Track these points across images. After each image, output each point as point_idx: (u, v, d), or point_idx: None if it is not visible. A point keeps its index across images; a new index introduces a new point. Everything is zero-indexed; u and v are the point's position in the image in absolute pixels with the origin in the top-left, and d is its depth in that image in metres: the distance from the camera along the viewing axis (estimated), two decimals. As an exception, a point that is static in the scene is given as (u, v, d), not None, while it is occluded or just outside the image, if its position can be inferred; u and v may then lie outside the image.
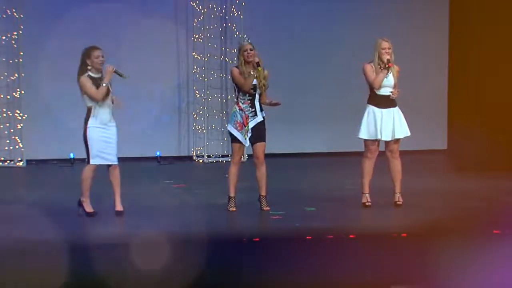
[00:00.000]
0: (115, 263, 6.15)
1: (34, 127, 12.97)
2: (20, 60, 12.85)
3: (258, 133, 8.57)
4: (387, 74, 8.61)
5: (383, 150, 8.82)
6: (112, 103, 8.34)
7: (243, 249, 6.70)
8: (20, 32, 12.81)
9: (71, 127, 12.24)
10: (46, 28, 12.92)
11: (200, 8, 13.39)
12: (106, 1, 13.15)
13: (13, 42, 12.83)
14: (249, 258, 6.43)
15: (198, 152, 13.60)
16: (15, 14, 12.76)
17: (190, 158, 13.64)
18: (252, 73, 8.45)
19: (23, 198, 9.76)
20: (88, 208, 8.33)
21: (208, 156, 13.55)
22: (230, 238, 7.34)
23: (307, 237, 6.92)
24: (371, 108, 8.70)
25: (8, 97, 12.94)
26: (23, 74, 12.89)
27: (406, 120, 8.76)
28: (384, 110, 8.67)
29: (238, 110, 8.56)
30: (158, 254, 6.11)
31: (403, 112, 8.76)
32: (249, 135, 8.54)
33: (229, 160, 8.82)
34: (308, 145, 13.93)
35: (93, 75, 8.26)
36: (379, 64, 8.61)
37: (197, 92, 13.51)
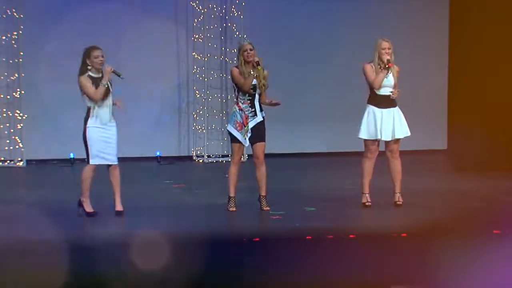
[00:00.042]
0: (115, 263, 6.15)
1: (34, 127, 12.97)
2: (20, 60, 12.85)
3: (258, 133, 8.56)
4: (387, 74, 8.61)
5: (383, 150, 8.82)
6: (114, 104, 8.34)
7: (243, 249, 6.70)
8: (20, 32, 12.81)
9: (71, 127, 12.25)
10: (46, 28, 12.92)
11: (200, 8, 13.39)
12: (106, 1, 13.15)
13: (13, 42, 12.83)
14: (249, 258, 6.43)
15: (198, 152, 13.60)
16: (15, 14, 12.76)
17: (190, 158, 13.63)
18: (251, 73, 8.45)
19: (23, 198, 9.76)
20: (88, 208, 8.33)
21: (208, 156, 13.55)
22: (230, 238, 7.34)
23: (307, 237, 6.92)
24: (371, 108, 8.71)
25: (8, 97, 12.94)
26: (23, 74, 12.89)
27: (406, 120, 8.76)
28: (384, 110, 8.67)
29: (238, 110, 8.56)
30: (158, 254, 6.11)
31: (403, 112, 8.76)
32: (249, 135, 8.54)
33: (229, 160, 8.82)
34: (308, 145, 13.92)
35: (93, 75, 8.26)
36: (379, 64, 8.61)
37: (197, 92, 13.51)
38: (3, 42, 12.84)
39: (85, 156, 8.36)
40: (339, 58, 13.44)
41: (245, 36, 13.02)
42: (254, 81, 8.49)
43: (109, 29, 12.72)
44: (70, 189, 9.55)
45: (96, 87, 8.20)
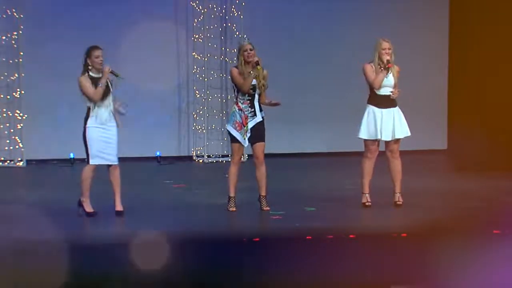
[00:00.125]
0: (115, 263, 6.15)
1: (34, 127, 12.97)
2: (20, 60, 12.85)
3: (258, 133, 8.56)
4: (387, 74, 8.61)
5: (383, 150, 8.82)
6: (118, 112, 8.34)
7: (243, 249, 6.69)
8: (20, 32, 12.81)
9: (71, 127, 12.24)
10: (46, 28, 12.93)
11: (200, 8, 13.39)
12: (106, 1, 13.17)
13: (13, 42, 12.83)
14: (249, 258, 6.43)
15: (198, 152, 13.60)
16: (15, 14, 12.76)
17: (190, 158, 13.63)
18: (251, 72, 8.45)
19: (23, 198, 9.76)
20: (88, 208, 8.34)
21: (208, 156, 13.55)
22: (230, 238, 7.34)
23: (307, 237, 6.92)
24: (371, 108, 8.71)
25: (8, 97, 12.94)
26: (23, 74, 12.89)
27: (406, 120, 8.76)
28: (384, 110, 8.67)
29: (237, 110, 8.56)
30: (158, 254, 6.11)
31: (403, 112, 8.76)
32: (248, 135, 8.54)
33: (229, 160, 8.82)
34: (308, 145, 13.92)
35: (93, 75, 8.26)
36: (379, 64, 8.61)
37: (197, 92, 13.51)
38: (3, 42, 12.84)
39: (85, 156, 8.37)
40: (339, 58, 13.44)
41: (245, 36, 13.01)
42: (254, 81, 8.49)
43: (109, 29, 12.72)
44: (70, 189, 9.56)
45: (96, 87, 8.20)
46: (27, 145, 12.94)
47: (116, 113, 8.32)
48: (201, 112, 13.54)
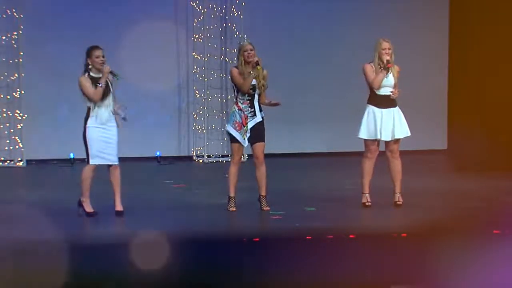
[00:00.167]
0: (115, 263, 6.15)
1: (34, 127, 12.97)
2: (20, 60, 12.85)
3: (257, 133, 8.56)
4: (386, 74, 8.61)
5: (383, 150, 8.82)
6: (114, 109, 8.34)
7: (243, 249, 6.69)
8: (20, 32, 12.81)
9: (71, 127, 12.24)
10: (46, 28, 12.94)
11: (200, 8, 13.39)
12: (106, 1, 13.17)
13: (13, 42, 12.82)
14: (249, 258, 6.43)
15: (198, 152, 13.60)
16: (15, 14, 12.76)
17: (190, 158, 13.63)
18: (251, 72, 8.45)
19: (23, 198, 9.76)
20: (88, 208, 8.34)
21: (208, 156, 13.55)
22: (230, 238, 7.34)
23: (307, 237, 6.92)
24: (371, 108, 8.71)
25: (8, 97, 12.94)
26: (23, 74, 12.89)
27: (406, 120, 8.76)
28: (384, 110, 8.67)
29: (237, 110, 8.56)
30: (158, 254, 6.11)
31: (403, 112, 8.76)
32: (248, 135, 8.54)
33: (229, 160, 8.82)
34: (308, 145, 13.93)
35: (94, 75, 8.26)
36: (379, 64, 8.61)
37: (197, 92, 13.51)
38: (3, 42, 12.84)
39: (85, 156, 8.37)
40: (339, 58, 13.44)
41: (245, 36, 13.02)
42: (254, 81, 8.49)
43: (109, 29, 12.72)
44: (70, 189, 9.56)
45: (96, 87, 8.20)
46: (27, 145, 12.94)
47: (116, 115, 8.32)
48: (201, 112, 13.54)
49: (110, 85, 8.32)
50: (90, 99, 8.23)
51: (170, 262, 6.06)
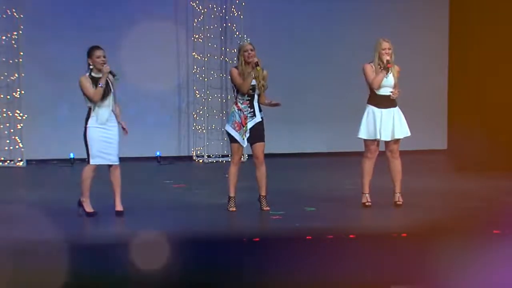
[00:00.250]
0: (115, 263, 6.15)
1: (34, 127, 12.97)
2: (20, 60, 12.85)
3: (257, 134, 8.56)
4: (386, 74, 8.61)
5: (383, 150, 8.82)
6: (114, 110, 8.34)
7: (243, 249, 6.69)
8: (20, 32, 12.81)
9: (71, 127, 12.23)
10: (46, 28, 12.94)
11: (200, 8, 13.39)
12: (106, 1, 13.17)
13: (13, 42, 12.83)
14: (249, 258, 6.43)
15: (198, 152, 13.60)
16: (15, 14, 12.76)
17: (190, 158, 13.63)
18: (250, 72, 8.44)
19: (23, 198, 9.76)
20: (88, 208, 8.34)
21: (208, 156, 13.55)
22: (230, 238, 7.34)
23: (307, 237, 6.92)
24: (370, 108, 8.71)
25: (8, 97, 12.94)
26: (23, 74, 12.89)
27: (406, 120, 8.76)
28: (384, 110, 8.67)
29: (236, 110, 8.56)
30: (158, 254, 6.11)
31: (403, 112, 8.76)
32: (247, 135, 8.54)
33: (229, 160, 8.82)
34: (308, 145, 13.93)
35: (94, 75, 8.27)
36: (379, 64, 8.61)
37: (197, 92, 13.51)
38: (3, 42, 12.84)
39: (85, 156, 8.37)
40: (339, 58, 13.44)
41: (245, 36, 13.02)
42: (253, 82, 8.49)
43: (109, 29, 12.72)
44: (70, 189, 9.56)
45: (97, 87, 8.21)
46: (27, 145, 12.94)
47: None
48: (201, 112, 13.54)
49: (110, 85, 8.32)
50: (90, 99, 8.23)
51: (170, 262, 6.06)
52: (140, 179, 11.08)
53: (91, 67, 8.26)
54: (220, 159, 13.39)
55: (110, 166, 8.37)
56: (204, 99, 13.51)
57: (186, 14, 13.50)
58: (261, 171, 8.59)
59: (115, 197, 8.39)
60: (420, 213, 8.49)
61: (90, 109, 8.26)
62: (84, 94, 8.24)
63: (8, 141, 12.94)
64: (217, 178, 10.94)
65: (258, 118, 8.56)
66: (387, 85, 8.65)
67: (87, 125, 8.25)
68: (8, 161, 12.94)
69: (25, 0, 12.84)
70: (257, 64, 8.43)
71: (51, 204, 9.07)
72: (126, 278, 6.01)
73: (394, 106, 8.72)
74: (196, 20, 13.42)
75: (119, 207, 8.37)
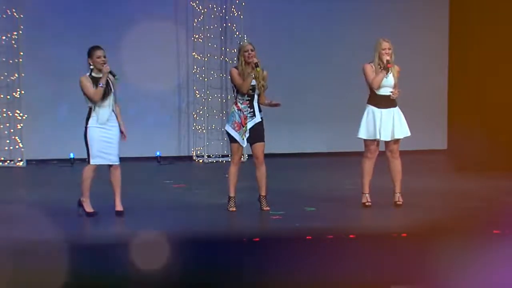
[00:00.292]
0: (115, 263, 6.15)
1: (34, 127, 12.97)
2: (20, 60, 12.85)
3: (257, 134, 8.56)
4: (386, 74, 8.61)
5: (383, 150, 8.82)
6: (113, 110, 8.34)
7: (243, 249, 6.69)
8: (20, 32, 12.80)
9: (71, 127, 12.26)
10: (46, 28, 12.94)
11: (200, 8, 13.39)
12: (106, 1, 13.17)
13: (13, 42, 12.82)
14: (249, 258, 6.43)
15: (198, 152, 13.60)
16: (15, 14, 12.76)
17: (190, 158, 13.63)
18: (250, 73, 8.44)
19: (23, 198, 9.76)
20: (88, 208, 8.34)
21: (208, 156, 13.55)
22: (230, 238, 7.34)
23: (307, 237, 6.92)
24: (370, 108, 8.71)
25: (8, 97, 12.94)
26: (23, 74, 12.89)
27: (406, 120, 8.76)
28: (384, 110, 8.67)
29: (236, 110, 8.56)
30: (158, 254, 6.11)
31: (403, 112, 8.76)
32: (247, 135, 8.54)
33: (229, 160, 8.82)
34: (308, 145, 13.92)
35: (95, 75, 8.27)
36: (379, 64, 8.61)
37: (197, 92, 13.51)
38: (3, 42, 12.84)
39: (85, 156, 8.37)
40: (339, 58, 13.44)
41: (245, 36, 13.02)
42: (253, 82, 8.48)
43: (109, 29, 12.72)
44: (70, 189, 9.56)
45: (97, 88, 8.22)
46: (27, 145, 12.94)
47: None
48: (201, 112, 13.54)
49: (111, 85, 8.32)
50: (90, 99, 8.23)
51: (170, 262, 6.06)
52: (140, 179, 11.08)
53: (91, 67, 8.27)
54: (220, 159, 13.39)
55: (110, 166, 8.37)
56: (204, 99, 13.51)
57: (186, 14, 13.50)
58: (261, 171, 8.59)
59: (115, 197, 8.39)
60: (420, 213, 8.49)
61: (90, 109, 8.27)
62: (85, 94, 8.25)
63: (8, 141, 12.94)
64: (217, 178, 10.94)
65: (257, 118, 8.56)
66: (387, 85, 8.65)
67: (88, 125, 8.25)
68: (8, 161, 12.94)
69: (25, 0, 12.84)
70: (257, 65, 8.43)
71: (51, 204, 9.07)
72: (126, 278, 6.01)
73: (394, 106, 8.72)
74: (196, 20, 13.42)
75: (119, 207, 8.38)
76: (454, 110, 14.09)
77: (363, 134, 8.71)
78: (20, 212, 8.55)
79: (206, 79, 13.49)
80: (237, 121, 8.53)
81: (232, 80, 8.60)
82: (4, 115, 12.94)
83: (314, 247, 6.74)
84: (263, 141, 8.61)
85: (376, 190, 8.92)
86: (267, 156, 8.71)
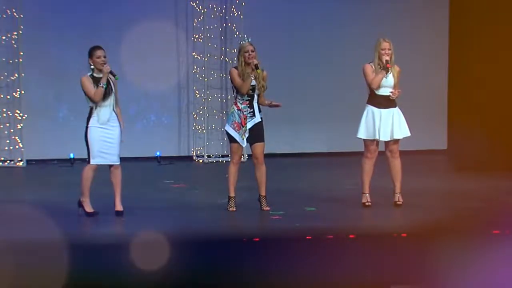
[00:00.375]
0: (115, 263, 6.15)
1: (34, 127, 12.96)
2: (20, 60, 12.85)
3: (257, 134, 8.57)
4: (386, 74, 8.61)
5: (383, 150, 8.82)
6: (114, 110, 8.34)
7: (243, 249, 6.69)
8: (20, 32, 12.80)
9: (71, 127, 12.31)
10: (46, 28, 12.93)
11: (200, 8, 13.39)
12: (106, 1, 13.17)
13: (13, 42, 12.82)
14: (249, 258, 6.43)
15: (198, 152, 13.60)
16: (15, 14, 12.75)
17: (190, 158, 13.63)
18: (250, 74, 8.44)
19: (23, 198, 9.76)
20: (88, 208, 8.34)
21: (208, 156, 13.55)
22: (230, 238, 7.33)
23: (307, 237, 6.92)
24: (370, 108, 8.71)
25: (8, 97, 12.93)
26: (23, 74, 12.88)
27: (406, 120, 8.76)
28: (384, 111, 8.67)
29: (236, 110, 8.56)
30: (158, 254, 6.11)
31: (403, 112, 8.76)
32: (247, 135, 8.54)
33: (229, 160, 8.83)
34: (308, 145, 13.92)
35: (96, 75, 8.28)
36: (379, 64, 8.61)
37: (197, 92, 13.51)
38: (3, 42, 12.82)
39: (85, 156, 8.38)
40: (339, 58, 13.43)
41: (245, 36, 12.98)
42: (253, 82, 8.48)
43: (109, 29, 12.72)
44: (70, 189, 9.56)
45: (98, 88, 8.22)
46: (27, 145, 12.93)
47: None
48: (201, 112, 13.53)
49: (112, 85, 8.32)
50: (91, 99, 8.24)
51: (170, 262, 6.05)
52: (140, 179, 11.08)
53: (92, 67, 8.28)
54: (220, 159, 13.39)
55: (111, 166, 8.38)
56: (204, 99, 13.50)
57: (186, 14, 13.50)
58: (261, 171, 8.60)
59: (115, 197, 8.39)
60: (420, 213, 8.49)
61: (91, 109, 8.27)
62: (86, 94, 8.26)
63: (8, 141, 12.93)
64: (217, 178, 10.93)
65: (257, 119, 8.56)
66: (387, 85, 8.65)
67: (89, 125, 8.26)
68: (8, 161, 12.93)
69: (25, 0, 12.83)
70: (256, 67, 8.42)
71: (51, 204, 9.07)
72: (126, 278, 6.01)
73: (394, 106, 8.72)
74: (196, 20, 13.42)
75: (119, 207, 8.38)
76: (454, 110, 14.06)
77: (362, 134, 8.71)
78: (20, 212, 8.55)
79: (206, 79, 13.48)
80: (237, 121, 8.53)
81: (232, 81, 8.60)
82: (4, 115, 12.93)
83: (314, 247, 6.74)
84: (263, 141, 8.61)
85: (376, 190, 8.92)
86: (267, 156, 8.71)
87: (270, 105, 8.63)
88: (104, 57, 8.27)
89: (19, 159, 12.94)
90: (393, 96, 8.64)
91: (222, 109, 13.58)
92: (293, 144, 13.85)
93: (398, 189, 8.82)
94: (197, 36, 13.41)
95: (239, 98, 8.56)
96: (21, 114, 12.91)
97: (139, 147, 13.10)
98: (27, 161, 12.97)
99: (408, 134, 8.76)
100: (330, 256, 6.45)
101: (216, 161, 13.43)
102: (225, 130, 8.70)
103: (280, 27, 13.63)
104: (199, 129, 13.53)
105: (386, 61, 8.57)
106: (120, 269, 6.07)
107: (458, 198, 9.49)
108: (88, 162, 8.31)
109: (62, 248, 6.28)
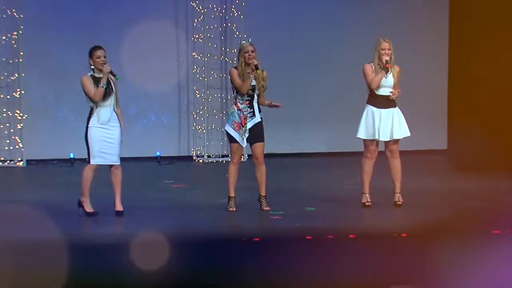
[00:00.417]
0: (115, 263, 6.15)
1: (34, 127, 12.96)
2: (20, 60, 12.84)
3: (257, 134, 8.57)
4: (386, 74, 8.61)
5: (383, 150, 8.82)
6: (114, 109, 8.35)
7: (243, 249, 6.69)
8: (20, 32, 12.80)
9: (71, 127, 12.32)
10: (46, 28, 12.93)
11: (200, 8, 13.39)
12: (106, 1, 13.17)
13: (13, 42, 12.82)
14: (249, 258, 6.43)
15: (198, 152, 13.60)
16: (15, 14, 12.75)
17: (190, 158, 13.63)
18: (250, 74, 8.44)
19: (23, 198, 9.76)
20: (88, 208, 8.34)
21: (208, 156, 13.55)
22: (230, 238, 7.33)
23: (307, 237, 6.92)
24: (370, 108, 8.71)
25: (8, 97, 12.93)
26: (23, 74, 12.88)
27: (406, 120, 8.76)
28: (383, 111, 8.67)
29: (236, 110, 8.56)
30: (158, 254, 6.11)
31: (403, 112, 8.76)
32: (247, 135, 8.54)
33: (229, 160, 8.84)
34: (308, 145, 13.91)
35: (96, 75, 8.28)
36: (378, 64, 8.61)
37: (197, 92, 13.51)
38: (3, 42, 12.82)
39: (85, 156, 8.38)
40: (339, 58, 13.43)
41: (245, 36, 13.01)
42: (253, 82, 8.48)
43: (109, 29, 12.72)
44: (70, 189, 9.56)
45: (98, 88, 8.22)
46: (27, 145, 12.93)
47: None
48: (201, 112, 13.53)
49: (112, 85, 8.32)
50: (91, 99, 8.24)
51: (170, 262, 6.05)
52: (140, 179, 11.08)
53: (92, 67, 8.28)
54: (220, 159, 13.39)
55: (111, 166, 8.38)
56: (204, 99, 13.50)
57: (186, 14, 13.50)
58: (261, 171, 8.60)
59: (115, 197, 8.39)
60: (420, 213, 8.49)
61: (92, 108, 8.28)
62: (86, 94, 8.26)
63: (8, 141, 12.93)
64: (217, 178, 10.93)
65: (257, 119, 8.56)
66: (387, 85, 8.65)
67: (89, 125, 8.26)
68: (8, 161, 12.93)
69: (25, 0, 12.83)
70: (256, 67, 8.42)
71: (51, 204, 9.07)
72: (126, 278, 6.01)
73: (394, 106, 8.72)
74: (196, 20, 13.42)
75: (119, 207, 8.38)
76: (454, 110, 14.06)
77: (362, 134, 8.71)
78: (20, 212, 8.55)
79: (206, 79, 13.48)
80: (236, 121, 8.53)
81: (232, 81, 8.60)
82: (4, 115, 12.93)
83: (314, 247, 6.74)
84: (263, 141, 8.61)
85: (376, 190, 8.92)
86: (267, 156, 8.72)
87: (270, 105, 8.63)
88: (104, 57, 8.28)
89: (19, 159, 12.94)
90: (393, 96, 8.65)
91: (222, 109, 13.58)
92: (293, 144, 13.85)
93: (398, 189, 8.82)
94: (197, 36, 13.41)
95: (239, 98, 8.56)
96: (21, 114, 12.91)
97: (139, 147, 13.10)
98: (27, 161, 12.96)
99: (408, 134, 8.76)
100: (330, 256, 6.45)
101: (216, 161, 13.43)
102: (225, 130, 8.70)
103: (280, 27, 13.63)
104: (199, 129, 13.53)
105: (386, 61, 8.57)
106: (120, 269, 6.07)
107: (458, 198, 9.49)
108: (88, 162, 8.31)
109: (62, 248, 6.28)
